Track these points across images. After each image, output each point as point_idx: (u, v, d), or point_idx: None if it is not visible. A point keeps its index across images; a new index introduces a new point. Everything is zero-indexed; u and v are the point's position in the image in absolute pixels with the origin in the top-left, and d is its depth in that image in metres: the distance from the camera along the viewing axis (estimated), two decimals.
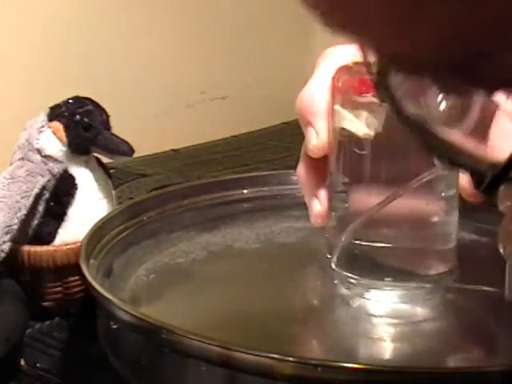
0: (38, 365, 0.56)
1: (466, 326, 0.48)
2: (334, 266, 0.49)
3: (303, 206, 0.56)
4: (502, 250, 0.41)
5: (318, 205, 0.50)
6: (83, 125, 0.61)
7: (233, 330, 0.47)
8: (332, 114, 0.48)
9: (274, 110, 1.16)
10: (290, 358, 0.39)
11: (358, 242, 0.48)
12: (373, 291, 0.49)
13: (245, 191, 0.66)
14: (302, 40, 1.28)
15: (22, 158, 0.62)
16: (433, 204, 0.48)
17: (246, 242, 0.60)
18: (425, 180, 0.46)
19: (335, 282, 0.50)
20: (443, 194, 0.48)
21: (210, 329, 0.45)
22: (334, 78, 0.48)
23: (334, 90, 0.48)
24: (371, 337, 0.47)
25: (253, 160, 1.03)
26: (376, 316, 0.49)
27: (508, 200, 0.39)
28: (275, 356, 0.39)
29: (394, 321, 0.48)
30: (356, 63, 0.48)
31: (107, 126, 0.62)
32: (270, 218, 0.64)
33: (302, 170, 0.50)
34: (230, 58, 1.20)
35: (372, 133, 0.47)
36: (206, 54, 1.17)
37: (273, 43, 1.27)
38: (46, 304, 0.62)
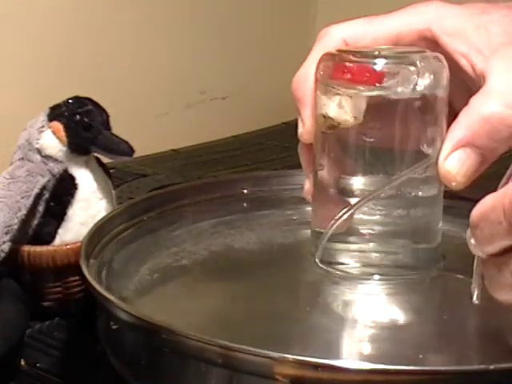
0: (38, 365, 0.56)
1: (456, 321, 0.48)
2: (318, 263, 0.50)
3: (303, 206, 0.56)
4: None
5: (308, 183, 0.52)
6: (83, 125, 0.61)
7: (233, 330, 0.47)
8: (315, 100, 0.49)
9: (274, 110, 1.16)
10: (290, 358, 0.39)
11: (341, 237, 0.49)
12: (360, 286, 0.49)
13: (245, 191, 0.66)
14: (302, 40, 1.28)
15: (22, 158, 0.62)
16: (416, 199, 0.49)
17: (246, 242, 0.60)
18: (402, 179, 0.47)
19: (326, 277, 0.50)
20: (422, 193, 0.48)
21: (210, 329, 0.45)
22: (317, 64, 0.48)
23: (317, 77, 0.48)
24: (364, 334, 0.48)
25: (253, 160, 1.03)
26: (365, 312, 0.49)
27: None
28: (275, 356, 0.39)
29: (385, 316, 0.49)
30: (340, 50, 0.49)
31: (107, 126, 0.62)
32: (270, 218, 0.64)
33: (300, 148, 0.52)
34: (229, 58, 1.20)
35: (351, 120, 0.47)
36: (206, 54, 1.17)
37: (273, 43, 1.27)
38: (46, 304, 0.62)
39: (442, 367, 0.41)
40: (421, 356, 0.44)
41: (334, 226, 0.48)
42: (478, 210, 0.40)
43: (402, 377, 0.38)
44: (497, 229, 0.39)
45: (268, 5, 1.26)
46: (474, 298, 0.46)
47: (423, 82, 0.47)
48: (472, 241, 0.42)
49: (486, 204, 0.40)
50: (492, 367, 0.38)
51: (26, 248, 0.60)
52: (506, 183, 0.42)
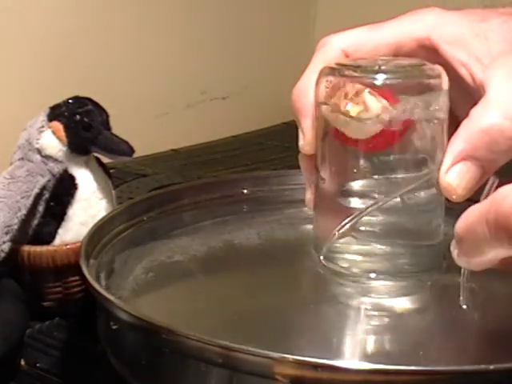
0: (38, 365, 0.56)
1: (455, 320, 0.48)
2: (323, 261, 0.50)
3: (303, 206, 0.56)
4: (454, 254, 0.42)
5: (310, 193, 0.52)
6: (83, 125, 0.61)
7: (233, 330, 0.47)
8: (316, 112, 0.48)
9: (274, 110, 1.16)
10: (290, 358, 0.39)
11: (344, 238, 0.49)
12: (362, 286, 0.49)
13: (245, 191, 0.66)
14: (302, 40, 1.28)
15: (22, 158, 0.62)
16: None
17: (246, 242, 0.60)
18: (404, 191, 0.47)
19: (327, 276, 0.50)
20: (423, 194, 0.48)
21: (210, 329, 0.45)
22: (317, 79, 0.48)
23: (317, 91, 0.48)
24: (364, 332, 0.48)
25: (253, 160, 1.03)
26: (366, 311, 0.49)
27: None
28: (275, 356, 0.39)
29: (386, 315, 0.49)
30: (340, 64, 0.48)
31: (107, 126, 0.62)
32: (270, 218, 0.64)
33: (301, 159, 0.52)
34: (230, 58, 1.20)
35: (359, 124, 0.47)
36: (206, 54, 1.17)
37: (273, 43, 1.27)
38: (46, 304, 0.62)
39: (442, 367, 0.41)
40: (421, 353, 0.44)
41: (336, 236, 0.49)
42: (462, 223, 0.40)
43: (402, 377, 0.38)
44: (483, 242, 0.39)
45: (268, 5, 1.26)
46: (461, 299, 0.46)
47: (423, 96, 0.47)
48: (456, 252, 0.42)
49: (471, 217, 0.39)
50: (492, 367, 0.38)
51: (26, 248, 0.60)
52: (487, 196, 0.41)
